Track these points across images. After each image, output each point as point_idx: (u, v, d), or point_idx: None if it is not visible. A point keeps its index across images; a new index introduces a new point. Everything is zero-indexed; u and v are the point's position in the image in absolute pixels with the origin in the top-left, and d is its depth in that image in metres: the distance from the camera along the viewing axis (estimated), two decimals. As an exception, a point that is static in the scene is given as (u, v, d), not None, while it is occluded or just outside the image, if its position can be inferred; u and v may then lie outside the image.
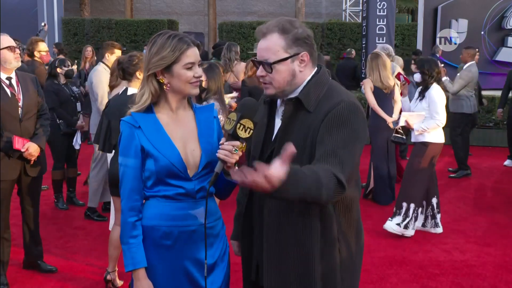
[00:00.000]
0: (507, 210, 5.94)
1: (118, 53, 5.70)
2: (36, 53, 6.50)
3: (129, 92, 3.75)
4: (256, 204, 2.09)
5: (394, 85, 6.07)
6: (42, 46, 6.55)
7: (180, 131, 2.08)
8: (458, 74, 7.30)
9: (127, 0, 19.76)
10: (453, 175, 7.49)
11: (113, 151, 3.84)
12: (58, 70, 5.72)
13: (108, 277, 3.85)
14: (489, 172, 7.91)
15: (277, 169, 1.57)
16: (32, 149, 3.77)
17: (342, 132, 1.85)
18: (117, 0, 21.70)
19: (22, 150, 3.73)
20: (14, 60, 3.77)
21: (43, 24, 12.20)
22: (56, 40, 14.19)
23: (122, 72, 3.81)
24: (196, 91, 2.07)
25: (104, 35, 15.89)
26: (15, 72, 3.86)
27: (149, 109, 2.07)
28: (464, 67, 7.32)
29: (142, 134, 2.03)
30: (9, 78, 3.80)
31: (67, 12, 17.90)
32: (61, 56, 9.19)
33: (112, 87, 4.64)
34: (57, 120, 5.66)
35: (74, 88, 6.03)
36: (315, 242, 1.94)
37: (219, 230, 2.17)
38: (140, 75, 3.76)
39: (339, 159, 1.80)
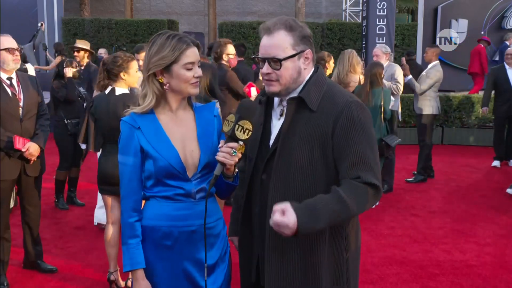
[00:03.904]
0: (507, 210, 5.93)
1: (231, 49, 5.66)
2: (224, 56, 5.71)
3: (117, 92, 3.79)
4: (257, 204, 2.07)
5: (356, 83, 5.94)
6: (231, 49, 5.78)
7: (180, 131, 2.07)
8: (424, 73, 7.17)
9: (127, 0, 19.77)
10: (411, 179, 7.20)
11: (101, 150, 3.87)
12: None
13: (111, 277, 3.84)
14: (489, 172, 7.91)
15: (285, 217, 1.75)
16: (32, 149, 3.78)
17: (360, 136, 1.90)
18: (117, 0, 21.72)
19: (23, 150, 3.74)
20: (12, 62, 3.76)
21: (40, 24, 12.21)
22: (56, 40, 14.21)
23: (107, 72, 3.84)
24: (196, 91, 2.06)
25: (104, 35, 15.90)
26: (16, 72, 3.87)
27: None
28: (430, 66, 7.17)
29: (142, 135, 2.02)
30: (9, 78, 3.80)
31: (67, 12, 17.92)
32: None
33: (103, 86, 4.58)
34: (65, 120, 5.67)
35: (81, 89, 6.01)
36: (322, 242, 1.94)
37: (219, 230, 2.15)
38: (124, 76, 3.79)
39: (369, 165, 1.89)
